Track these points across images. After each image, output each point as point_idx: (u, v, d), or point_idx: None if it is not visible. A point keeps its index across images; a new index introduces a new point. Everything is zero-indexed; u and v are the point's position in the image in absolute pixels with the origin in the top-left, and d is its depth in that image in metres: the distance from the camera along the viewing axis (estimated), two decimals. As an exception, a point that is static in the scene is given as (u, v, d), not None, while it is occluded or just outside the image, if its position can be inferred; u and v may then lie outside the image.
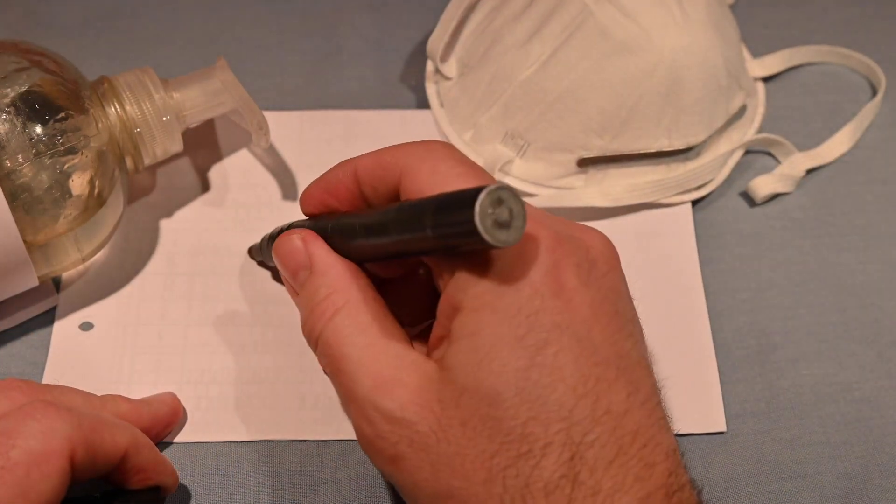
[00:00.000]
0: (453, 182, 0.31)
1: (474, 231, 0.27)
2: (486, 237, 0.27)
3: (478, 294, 0.30)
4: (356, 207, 0.35)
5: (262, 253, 0.42)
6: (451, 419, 0.29)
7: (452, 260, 0.31)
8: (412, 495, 0.31)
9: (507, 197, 0.27)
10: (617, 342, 0.30)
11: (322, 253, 0.34)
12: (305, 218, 0.37)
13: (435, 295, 0.32)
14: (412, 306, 0.36)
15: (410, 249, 0.31)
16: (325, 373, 0.33)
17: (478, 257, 0.30)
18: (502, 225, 0.27)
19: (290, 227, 0.37)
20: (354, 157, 0.35)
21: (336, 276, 0.33)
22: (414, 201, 0.30)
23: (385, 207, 0.32)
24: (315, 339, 0.33)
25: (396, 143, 0.47)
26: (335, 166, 0.35)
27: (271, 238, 0.40)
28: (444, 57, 0.47)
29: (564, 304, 0.30)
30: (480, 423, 0.29)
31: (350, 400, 0.32)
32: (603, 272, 0.31)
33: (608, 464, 0.29)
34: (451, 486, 0.29)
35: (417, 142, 0.33)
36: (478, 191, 0.27)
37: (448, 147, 0.33)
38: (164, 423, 0.39)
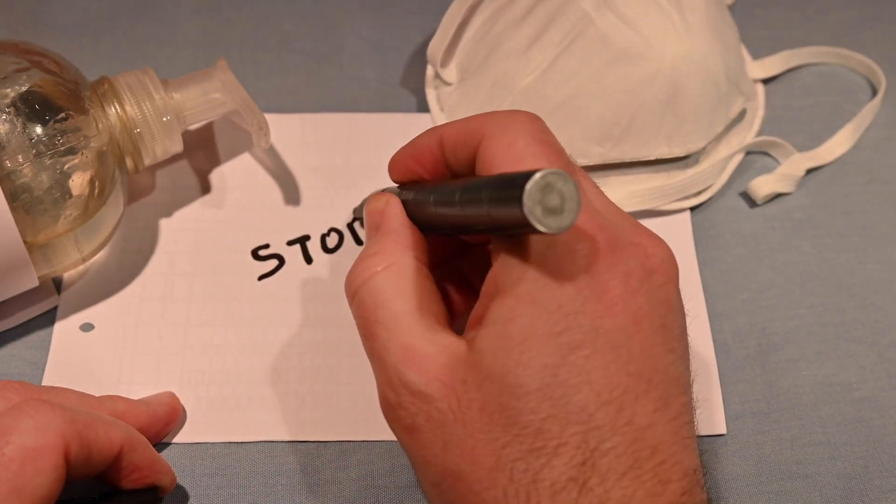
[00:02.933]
0: (526, 160, 0.30)
1: (523, 216, 0.26)
2: (536, 224, 0.26)
3: (520, 281, 0.29)
4: (440, 174, 0.35)
5: (361, 211, 0.42)
6: (471, 402, 0.29)
7: (507, 240, 0.30)
8: (421, 469, 0.31)
9: (558, 182, 0.27)
10: (655, 355, 0.30)
11: (394, 216, 0.34)
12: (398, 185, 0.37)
13: None
14: (480, 277, 0.36)
15: (473, 226, 0.31)
16: (359, 332, 0.33)
17: (529, 243, 0.30)
18: (552, 211, 0.27)
19: (384, 191, 0.37)
20: (441, 125, 0.34)
21: (394, 239, 0.33)
22: (477, 179, 0.30)
23: (456, 182, 0.32)
24: (352, 294, 0.33)
25: (397, 146, 0.47)
26: (423, 133, 0.35)
27: (358, 208, 0.41)
28: (445, 62, 0.47)
29: (606, 309, 0.29)
30: (498, 411, 0.29)
31: (377, 364, 0.32)
32: (659, 283, 0.30)
33: (620, 475, 0.28)
34: (459, 467, 0.30)
35: (504, 111, 0.33)
36: (528, 176, 0.26)
37: (532, 120, 0.32)
38: (163, 422, 0.39)
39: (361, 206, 0.42)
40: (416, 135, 0.47)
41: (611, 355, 0.29)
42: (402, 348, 0.31)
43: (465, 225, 0.31)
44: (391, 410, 0.32)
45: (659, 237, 0.32)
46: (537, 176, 0.26)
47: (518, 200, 0.26)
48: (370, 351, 0.32)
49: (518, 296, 0.29)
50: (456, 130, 0.33)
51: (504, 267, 0.30)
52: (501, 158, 0.31)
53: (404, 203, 0.35)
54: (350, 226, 0.45)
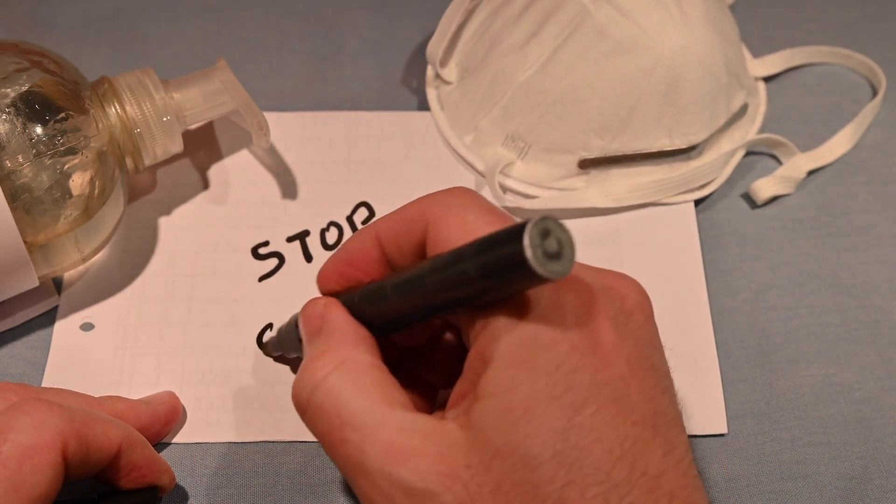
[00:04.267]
0: (483, 231, 0.29)
1: (524, 267, 0.26)
2: (540, 270, 0.26)
3: (512, 348, 0.28)
4: (379, 274, 0.33)
5: (279, 342, 0.39)
6: (482, 486, 0.27)
7: (485, 311, 0.29)
8: None
9: (554, 227, 0.26)
10: (653, 399, 0.29)
11: (335, 316, 0.32)
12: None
13: (461, 359, 0.30)
14: (446, 368, 0.35)
15: (446, 301, 0.29)
16: (321, 444, 0.30)
17: (512, 308, 0.28)
18: (552, 256, 0.26)
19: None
20: (372, 222, 0.33)
21: (340, 337, 0.31)
22: (450, 251, 0.29)
23: (418, 265, 0.30)
24: (305, 402, 0.30)
25: (397, 144, 0.47)
26: (351, 237, 0.34)
27: (280, 332, 0.39)
28: (444, 61, 0.47)
29: (602, 362, 0.28)
30: (514, 489, 0.27)
31: (356, 472, 0.29)
32: (638, 324, 0.30)
33: None
34: None
35: (439, 192, 0.32)
36: (523, 224, 0.26)
37: (472, 193, 0.31)
38: (163, 421, 0.39)
39: (279, 332, 0.39)
40: (416, 133, 0.48)
41: (615, 408, 0.28)
42: (384, 446, 0.28)
43: (433, 305, 0.30)
44: None
45: (624, 275, 0.31)
46: (535, 221, 0.26)
47: (518, 252, 0.26)
48: (342, 459, 0.29)
49: (513, 363, 0.28)
50: (393, 223, 0.32)
51: (490, 337, 0.28)
52: (457, 235, 0.29)
53: (348, 307, 0.33)
54: (349, 219, 0.45)
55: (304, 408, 0.31)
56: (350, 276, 0.34)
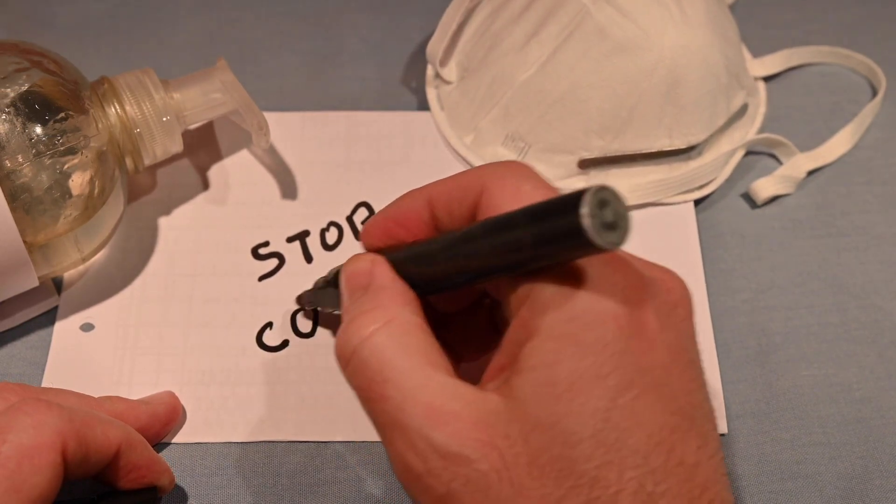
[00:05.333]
0: (538, 200, 0.28)
1: (580, 235, 0.25)
2: (596, 239, 0.25)
3: (559, 321, 0.28)
4: (425, 237, 0.33)
5: (314, 296, 0.39)
6: (518, 457, 0.27)
7: (531, 281, 0.28)
8: None
9: (611, 198, 0.26)
10: (691, 392, 0.29)
11: (383, 273, 0.32)
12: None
13: (491, 333, 0.30)
14: (473, 340, 0.35)
15: (494, 266, 0.29)
16: (359, 398, 0.30)
17: (560, 280, 0.28)
18: (608, 226, 0.25)
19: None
20: (426, 185, 0.33)
21: (388, 294, 0.31)
22: (503, 214, 0.28)
23: (469, 227, 0.30)
24: (349, 356, 0.30)
25: (397, 144, 0.47)
26: (402, 196, 0.33)
27: (326, 281, 0.38)
28: (444, 61, 0.47)
29: (647, 346, 0.28)
30: (550, 464, 0.27)
31: (394, 430, 0.29)
32: (682, 317, 0.30)
33: None
34: None
35: (497, 162, 0.32)
36: (581, 192, 0.25)
37: (528, 167, 0.31)
38: (162, 421, 0.39)
39: (315, 287, 0.39)
40: (416, 133, 0.47)
41: (656, 394, 0.28)
42: (424, 407, 0.28)
43: (482, 269, 0.29)
44: (417, 480, 0.28)
45: (671, 271, 0.31)
46: (593, 190, 0.25)
47: (575, 219, 0.25)
48: (380, 416, 0.29)
49: (559, 337, 0.28)
50: (448, 187, 0.32)
51: (536, 309, 0.28)
52: (511, 204, 0.29)
53: (392, 263, 0.33)
54: (349, 219, 0.45)
55: (347, 361, 0.30)
56: (395, 235, 0.33)
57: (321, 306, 0.40)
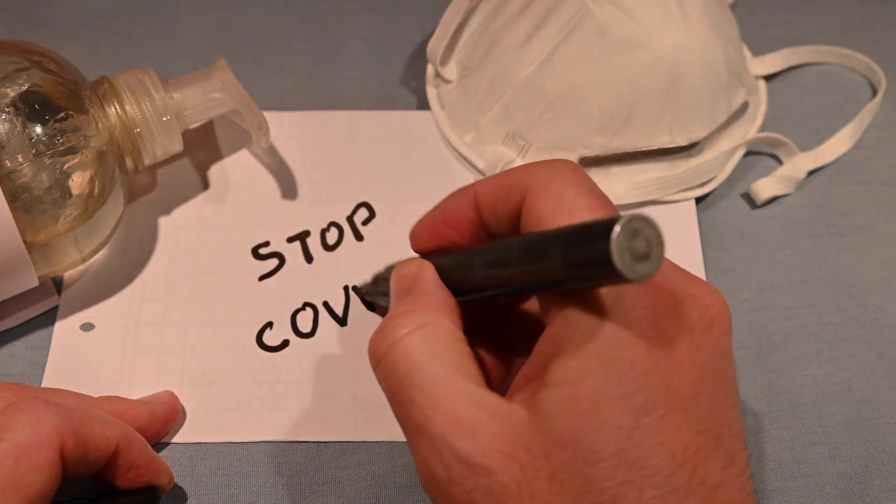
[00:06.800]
0: (579, 212, 0.29)
1: (610, 266, 0.25)
2: (625, 272, 0.25)
3: (588, 339, 0.28)
4: (473, 237, 0.33)
5: (373, 287, 0.39)
6: (538, 471, 0.27)
7: (565, 297, 0.28)
8: None
9: (644, 227, 0.25)
10: (720, 411, 0.29)
11: (427, 278, 0.32)
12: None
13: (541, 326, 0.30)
14: (518, 332, 0.35)
15: (529, 284, 0.29)
16: (388, 400, 0.31)
17: (593, 301, 0.28)
18: (640, 257, 0.25)
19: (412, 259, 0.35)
20: (472, 183, 0.33)
21: (426, 300, 0.31)
22: (539, 233, 0.28)
23: (507, 241, 0.30)
24: (380, 356, 0.30)
25: (397, 144, 0.47)
26: (450, 195, 0.33)
27: (376, 278, 0.38)
28: (444, 60, 0.47)
29: (676, 367, 0.28)
30: (570, 480, 0.27)
31: (420, 435, 0.29)
32: (718, 335, 0.29)
33: None
34: None
35: (543, 161, 0.31)
36: (612, 222, 0.25)
37: (574, 169, 0.31)
38: (162, 421, 0.39)
39: (375, 282, 0.39)
40: (416, 132, 0.47)
41: (682, 414, 0.28)
42: (449, 416, 0.28)
43: (519, 287, 0.30)
44: (440, 488, 0.29)
45: (710, 284, 0.31)
46: (623, 221, 0.25)
47: (604, 251, 0.25)
48: (407, 420, 0.30)
49: (587, 355, 0.28)
50: (493, 187, 0.32)
51: (566, 325, 0.28)
52: (552, 211, 0.29)
53: (437, 269, 0.33)
54: (349, 219, 0.45)
55: (378, 361, 0.31)
56: (444, 236, 0.33)
57: (375, 299, 0.40)
